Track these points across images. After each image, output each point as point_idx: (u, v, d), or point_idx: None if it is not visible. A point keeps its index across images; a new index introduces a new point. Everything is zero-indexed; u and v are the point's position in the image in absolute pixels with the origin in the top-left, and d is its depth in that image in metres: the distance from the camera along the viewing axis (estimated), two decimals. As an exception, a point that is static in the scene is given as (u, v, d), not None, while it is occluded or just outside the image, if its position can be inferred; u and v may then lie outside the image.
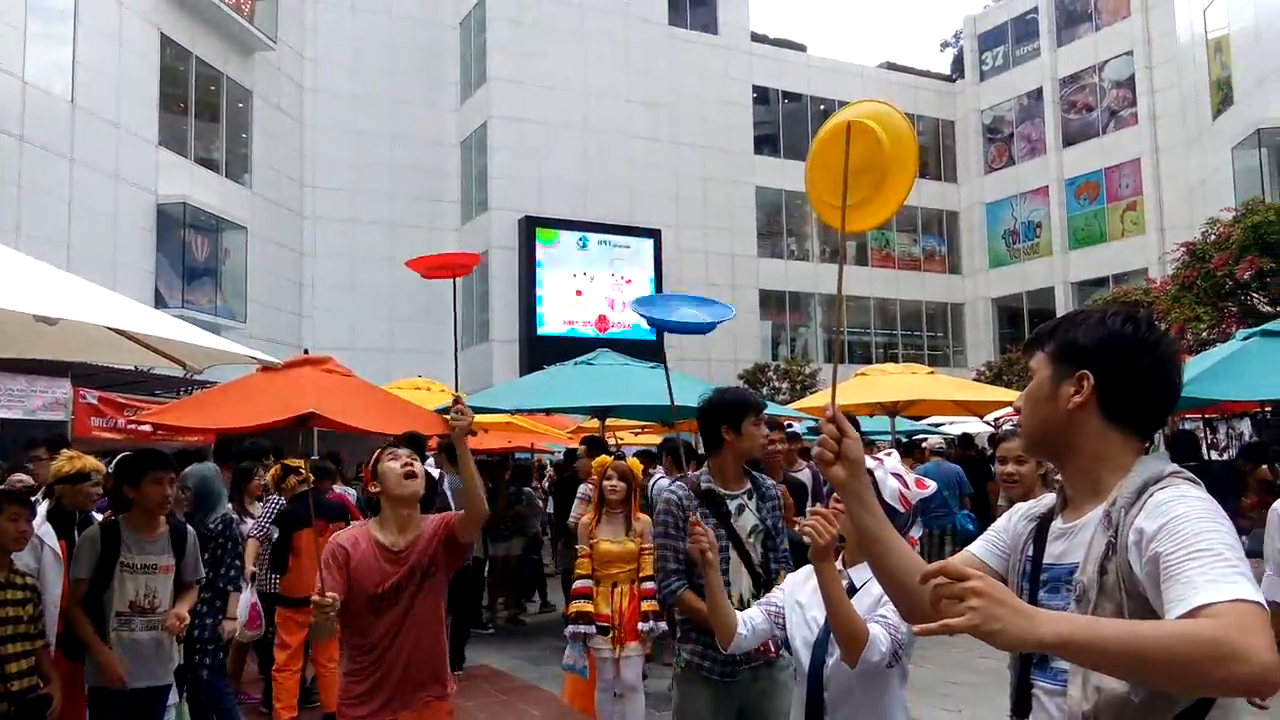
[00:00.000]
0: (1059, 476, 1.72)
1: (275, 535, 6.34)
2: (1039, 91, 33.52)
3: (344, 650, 3.37)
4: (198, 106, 21.48)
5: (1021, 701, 1.64)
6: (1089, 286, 30.69)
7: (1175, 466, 1.56)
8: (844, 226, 1.92)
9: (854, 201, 1.90)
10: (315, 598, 2.95)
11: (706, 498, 3.50)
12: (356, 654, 3.24)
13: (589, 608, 5.22)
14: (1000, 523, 1.82)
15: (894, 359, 30.03)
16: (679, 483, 3.58)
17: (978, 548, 1.81)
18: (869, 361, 29.44)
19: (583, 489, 9.08)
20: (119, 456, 4.82)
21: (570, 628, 5.27)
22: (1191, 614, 1.29)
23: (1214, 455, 12.08)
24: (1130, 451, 1.61)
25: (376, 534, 3.25)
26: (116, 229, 18.19)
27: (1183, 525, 1.40)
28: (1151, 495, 1.49)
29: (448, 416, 3.24)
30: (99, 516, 4.43)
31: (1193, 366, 8.69)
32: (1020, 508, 1.82)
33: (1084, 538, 1.58)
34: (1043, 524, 1.70)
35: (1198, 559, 1.35)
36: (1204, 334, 14.80)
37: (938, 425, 16.84)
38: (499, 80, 26.73)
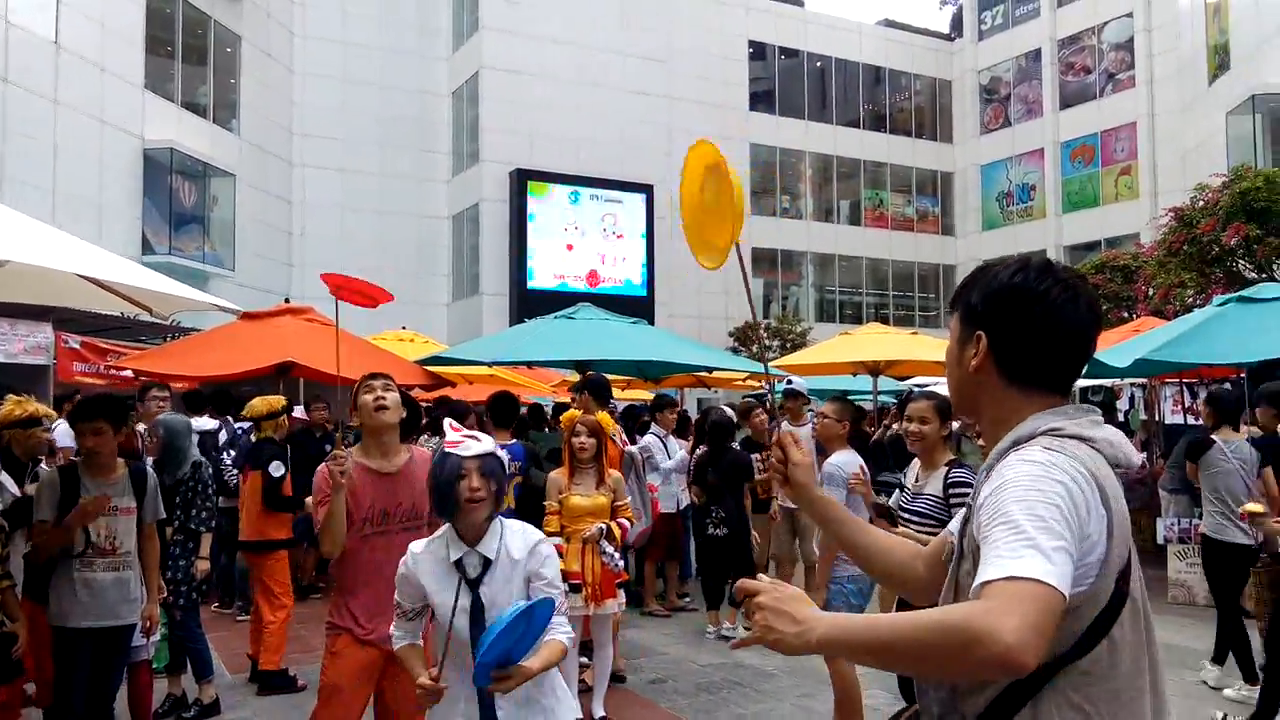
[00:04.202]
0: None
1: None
2: (1037, 52, 33.18)
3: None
4: (185, 50, 21.14)
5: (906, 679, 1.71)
6: (1081, 250, 30.65)
7: (1053, 424, 1.46)
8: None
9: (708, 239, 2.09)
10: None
11: None
12: (342, 584, 3.45)
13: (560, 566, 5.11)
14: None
15: (885, 320, 30.05)
16: None
17: (953, 523, 1.80)
18: (859, 321, 29.45)
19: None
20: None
21: None
22: (979, 590, 1.26)
23: (1190, 419, 12.19)
24: (1030, 410, 1.51)
25: (361, 459, 3.45)
26: (103, 174, 17.99)
27: (1002, 493, 1.35)
28: (1005, 458, 1.43)
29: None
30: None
31: (1169, 330, 8.79)
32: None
33: None
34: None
35: (997, 530, 1.30)
36: (1189, 299, 14.84)
37: (923, 385, 16.89)
38: (491, 30, 26.35)
